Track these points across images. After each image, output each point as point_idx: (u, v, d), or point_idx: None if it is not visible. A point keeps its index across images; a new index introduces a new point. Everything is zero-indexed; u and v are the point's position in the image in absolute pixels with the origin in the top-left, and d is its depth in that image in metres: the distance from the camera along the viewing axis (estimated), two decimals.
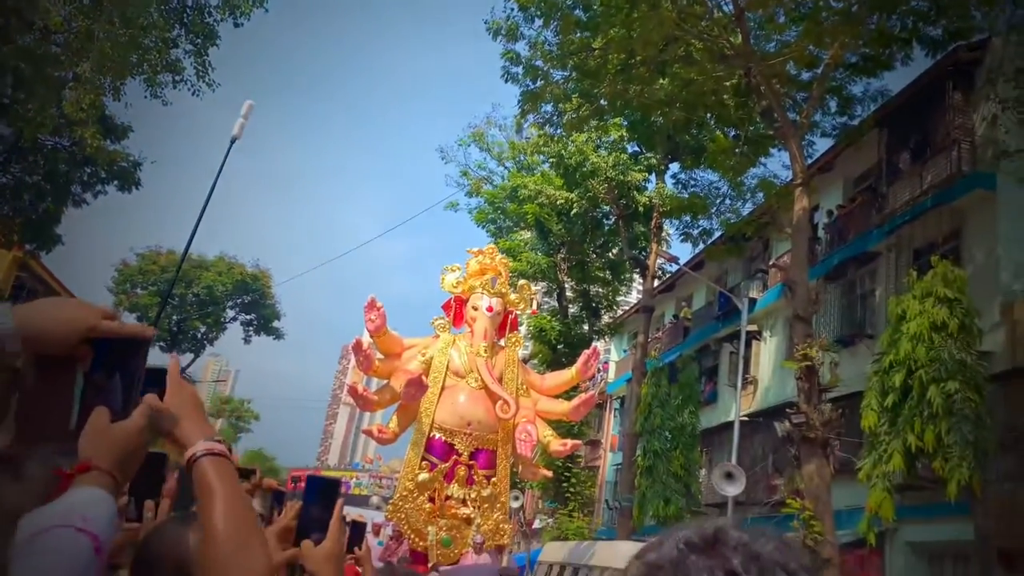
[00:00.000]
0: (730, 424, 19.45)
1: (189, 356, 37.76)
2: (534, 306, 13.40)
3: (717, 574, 0.70)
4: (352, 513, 15.42)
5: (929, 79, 17.40)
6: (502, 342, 12.66)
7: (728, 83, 16.79)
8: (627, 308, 33.51)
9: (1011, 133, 14.93)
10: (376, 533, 13.79)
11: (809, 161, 18.78)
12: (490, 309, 12.04)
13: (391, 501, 11.43)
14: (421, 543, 11.03)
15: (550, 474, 13.86)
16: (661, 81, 17.54)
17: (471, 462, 11.40)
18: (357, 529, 3.38)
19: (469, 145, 27.78)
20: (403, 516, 11.11)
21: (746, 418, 20.84)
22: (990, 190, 15.75)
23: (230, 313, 37.79)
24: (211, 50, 17.19)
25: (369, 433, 11.93)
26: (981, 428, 10.34)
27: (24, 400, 1.16)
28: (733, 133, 18.81)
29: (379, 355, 11.84)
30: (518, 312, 13.09)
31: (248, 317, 38.35)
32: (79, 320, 1.15)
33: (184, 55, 17.22)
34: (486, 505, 11.28)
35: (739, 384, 20.32)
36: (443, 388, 11.68)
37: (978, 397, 10.35)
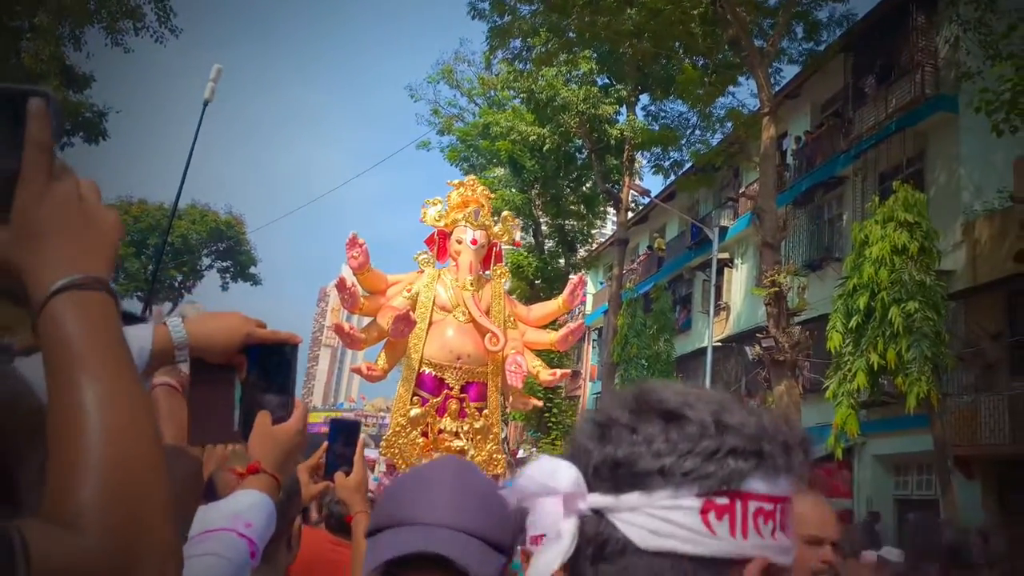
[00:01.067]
0: (704, 350, 20.01)
1: (168, 305, 37.78)
2: (518, 237, 13.33)
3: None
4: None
5: (893, 2, 17.47)
6: (487, 274, 12.89)
7: (696, 12, 16.79)
8: (602, 241, 33.85)
9: (972, 55, 15.16)
10: (371, 469, 14.46)
11: (777, 88, 18.94)
12: (474, 242, 12.18)
13: (384, 437, 11.47)
14: None
15: (540, 403, 14.09)
16: (629, 11, 17.45)
17: (462, 395, 11.14)
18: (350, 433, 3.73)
19: (438, 82, 27.59)
20: (397, 451, 10.99)
21: (719, 343, 21.44)
22: (952, 112, 16.04)
23: (206, 261, 37.68)
24: None
25: (358, 371, 12.07)
26: (939, 345, 10.86)
27: (191, 403, 1.29)
28: (701, 62, 18.88)
29: (363, 293, 12.13)
30: (502, 243, 13.56)
31: (224, 264, 38.23)
32: (238, 329, 1.26)
33: (144, 1, 16.88)
34: (479, 437, 11.10)
35: (711, 311, 20.84)
36: (430, 323, 11.38)
37: (936, 316, 10.83)
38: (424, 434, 10.83)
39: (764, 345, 12.61)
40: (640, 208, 28.25)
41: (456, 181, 14.13)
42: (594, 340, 34.05)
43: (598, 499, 0.74)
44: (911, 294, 10.56)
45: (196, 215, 36.41)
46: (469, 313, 12.15)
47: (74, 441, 0.68)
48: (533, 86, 21.82)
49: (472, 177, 14.28)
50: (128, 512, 0.66)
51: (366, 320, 12.77)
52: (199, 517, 1.23)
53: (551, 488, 0.75)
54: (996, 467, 13.81)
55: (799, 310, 13.39)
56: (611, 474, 0.74)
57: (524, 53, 20.61)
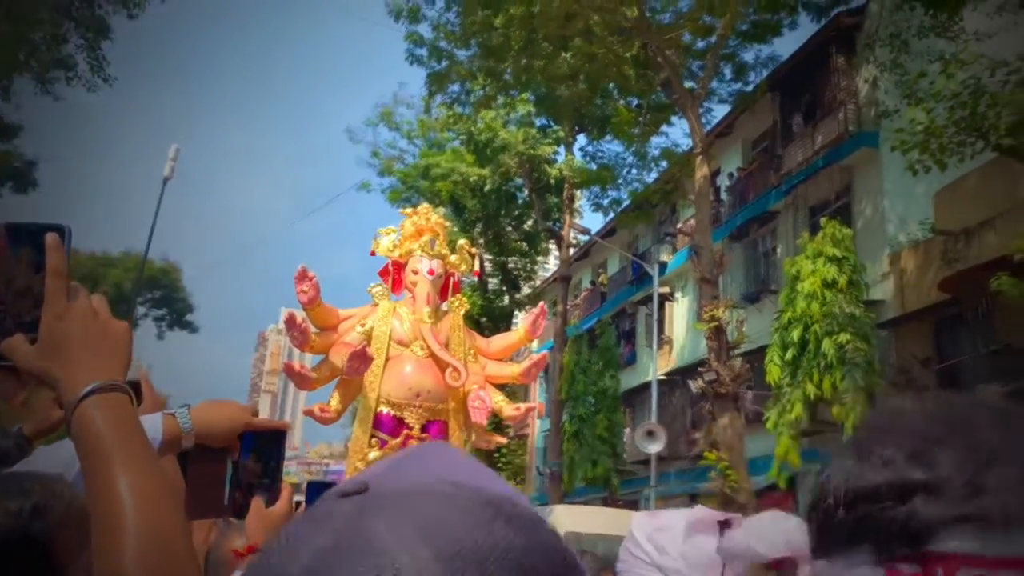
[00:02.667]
0: (650, 384, 20.28)
1: None
2: (476, 266, 12.78)
3: None
4: None
5: (815, 44, 18.28)
6: (445, 306, 12.49)
7: (628, 55, 17.32)
8: (545, 278, 34.14)
9: (889, 94, 15.92)
10: None
11: (708, 127, 19.58)
12: (431, 272, 11.62)
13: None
14: None
15: (504, 440, 13.70)
16: (564, 55, 17.92)
17: (423, 435, 11.26)
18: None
19: (378, 124, 27.67)
20: None
21: (664, 377, 21.75)
22: (875, 148, 16.78)
23: (141, 310, 36.78)
24: (106, 43, 16.66)
25: (310, 413, 11.53)
26: (871, 374, 11.27)
27: (189, 481, 1.40)
28: (635, 103, 19.43)
29: (313, 329, 11.70)
30: (459, 274, 13.13)
31: (160, 312, 37.38)
32: (237, 419, 1.38)
33: (76, 50, 16.66)
34: None
35: (655, 345, 21.15)
36: (387, 359, 11.52)
37: (867, 346, 11.25)
38: None
39: (707, 379, 12.87)
40: (581, 244, 28.66)
41: (409, 209, 13.72)
42: (540, 377, 34.16)
43: None
44: (842, 326, 10.95)
45: (130, 263, 35.58)
46: (428, 347, 11.89)
47: (113, 522, 0.82)
48: (472, 128, 22.11)
49: (425, 205, 14.05)
50: (165, 573, 0.82)
51: (314, 359, 12.43)
52: None
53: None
54: None
55: (738, 343, 13.72)
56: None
57: (463, 97, 20.94)
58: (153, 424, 1.29)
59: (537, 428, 33.40)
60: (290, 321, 10.73)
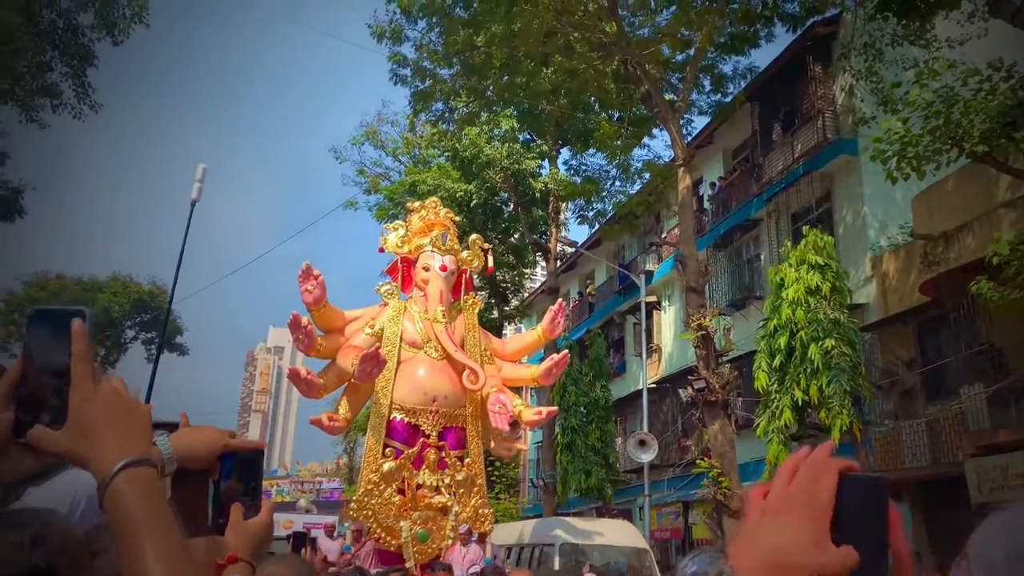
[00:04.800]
0: (640, 393, 20.44)
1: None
2: (490, 262, 11.98)
3: None
4: (281, 520, 15.29)
5: (791, 54, 18.60)
6: (458, 305, 11.24)
7: (608, 70, 17.55)
8: (533, 290, 34.30)
9: (866, 101, 16.24)
10: (330, 535, 12.19)
11: (689, 138, 19.85)
12: (444, 268, 10.62)
13: (355, 498, 10.01)
14: (394, 541, 9.66)
15: (525, 448, 11.90)
16: (545, 72, 18.15)
17: (440, 443, 10.10)
18: (299, 540, 3.76)
19: (363, 143, 27.83)
20: (370, 513, 9.70)
21: (653, 385, 21.93)
22: (853, 155, 17.08)
23: (130, 333, 36.68)
24: (91, 70, 16.74)
25: (318, 423, 10.19)
26: (857, 378, 11.48)
27: (174, 504, 1.42)
28: (617, 116, 19.67)
29: (319, 332, 10.29)
30: (471, 270, 11.59)
31: (149, 335, 37.28)
32: (216, 442, 1.47)
33: (61, 78, 16.74)
34: (462, 490, 10.05)
35: (644, 354, 21.34)
36: (399, 362, 10.25)
37: (852, 351, 11.46)
38: (400, 491, 9.71)
39: (696, 387, 13.04)
40: (568, 256, 28.86)
41: (416, 203, 11.91)
42: (532, 389, 34.25)
43: None
44: (827, 332, 11.17)
45: (118, 287, 35.54)
46: (443, 348, 10.02)
47: None
48: (457, 145, 22.29)
49: (433, 199, 12.36)
50: None
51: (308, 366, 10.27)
52: None
53: None
54: (921, 488, 14.46)
55: (726, 351, 13.91)
56: None
57: (447, 114, 21.12)
58: None
59: (530, 440, 33.47)
60: (294, 323, 9.46)
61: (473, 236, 11.86)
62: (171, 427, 1.49)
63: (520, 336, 12.53)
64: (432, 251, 10.71)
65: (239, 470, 1.51)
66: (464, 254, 11.19)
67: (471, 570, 9.08)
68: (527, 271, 30.26)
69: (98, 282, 35.49)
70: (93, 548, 1.49)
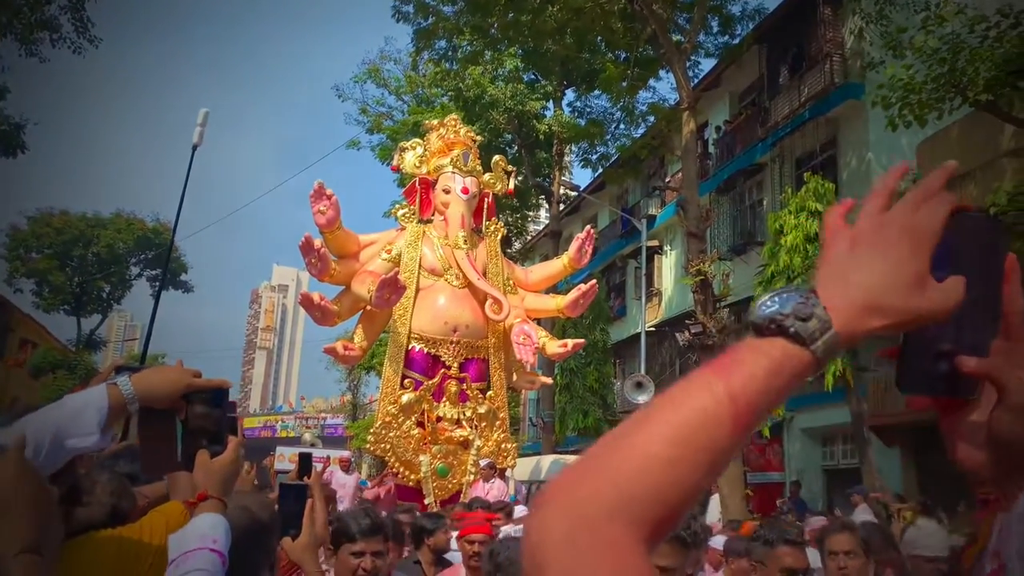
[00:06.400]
0: (639, 336, 20.65)
1: (97, 317, 36.85)
2: (511, 185, 11.29)
3: None
4: (287, 454, 15.56)
5: None
6: (480, 231, 10.51)
7: (615, 9, 17.27)
8: (536, 232, 34.30)
9: (875, 45, 15.99)
10: (346, 469, 11.61)
11: (696, 80, 19.60)
12: (465, 190, 9.94)
13: (372, 431, 9.56)
14: (413, 476, 9.26)
15: (549, 381, 10.94)
16: (550, 10, 17.83)
17: (462, 375, 9.65)
18: (305, 461, 3.86)
19: (365, 82, 27.52)
20: (388, 447, 9.23)
21: (653, 329, 22.12)
22: (860, 100, 16.90)
23: (135, 270, 36.86)
24: (90, 3, 16.51)
25: (333, 352, 9.72)
26: None
27: (142, 443, 1.55)
28: (623, 57, 19.42)
29: (332, 257, 9.68)
30: (494, 193, 10.91)
31: (154, 272, 37.48)
32: (179, 381, 1.51)
33: (60, 11, 16.53)
34: (484, 424, 9.57)
35: (643, 298, 21.47)
36: (418, 289, 9.71)
37: None
38: (420, 424, 9.32)
39: (693, 331, 13.18)
40: (571, 200, 28.78)
41: (435, 122, 11.35)
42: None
43: None
44: None
45: (122, 224, 35.58)
46: (464, 276, 9.44)
47: None
48: (460, 84, 22.04)
49: (453, 116, 11.80)
50: None
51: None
52: (174, 541, 1.46)
53: None
54: (912, 433, 14.72)
55: (724, 296, 14.01)
56: None
57: (450, 53, 20.84)
58: (99, 394, 1.44)
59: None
60: (307, 245, 8.74)
61: (496, 157, 11.17)
62: (133, 370, 1.52)
63: (544, 265, 11.67)
64: (453, 172, 10.01)
65: (204, 408, 1.54)
66: (486, 176, 10.52)
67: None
68: (530, 213, 30.22)
69: (102, 219, 35.51)
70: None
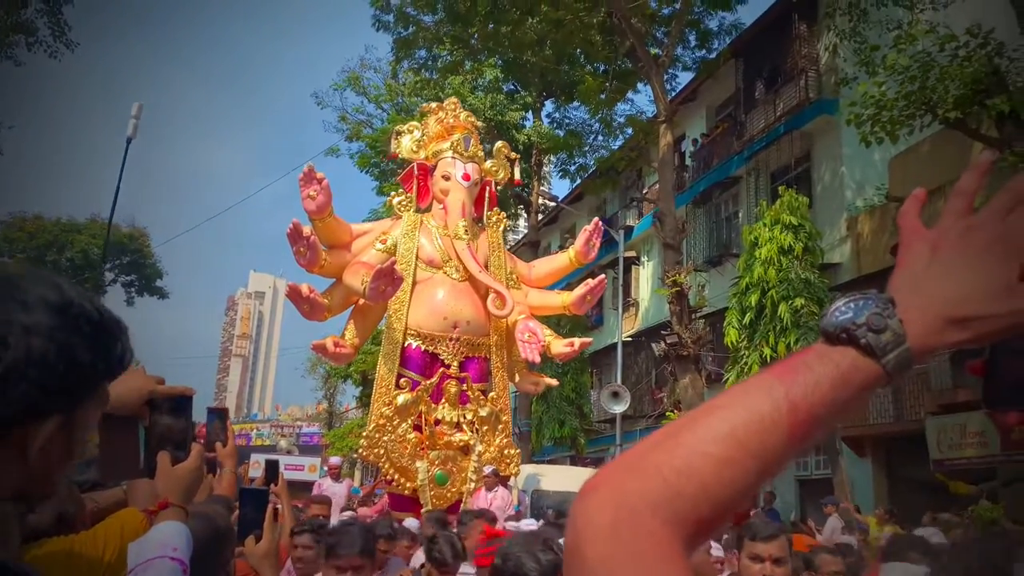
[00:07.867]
0: (616, 345, 20.75)
1: None
2: (517, 173, 10.72)
3: None
4: (258, 460, 15.46)
5: (778, 11, 18.52)
6: (481, 220, 9.79)
7: (594, 21, 17.45)
8: (514, 243, 34.39)
9: (848, 61, 16.27)
10: (335, 477, 10.83)
11: (674, 92, 19.84)
12: (466, 177, 9.23)
13: (365, 434, 8.82)
14: (408, 483, 8.57)
15: (555, 383, 10.75)
16: (530, 21, 18.00)
17: (462, 375, 8.96)
18: (272, 468, 3.87)
19: (345, 89, 27.48)
20: (382, 452, 8.56)
21: (629, 339, 22.25)
22: (834, 115, 17.16)
23: (109, 276, 36.48)
24: (67, 7, 16.40)
25: (321, 348, 8.99)
26: None
27: (103, 448, 1.50)
28: (602, 69, 19.61)
29: (322, 246, 8.97)
30: (497, 182, 10.26)
31: (129, 278, 37.11)
32: (142, 388, 1.50)
33: (36, 15, 16.40)
34: (486, 427, 8.88)
35: (620, 308, 21.61)
36: (415, 282, 9.00)
37: (820, 310, 11.73)
38: (416, 427, 8.71)
39: (669, 341, 13.31)
40: (549, 210, 28.91)
41: (433, 105, 10.26)
42: None
43: None
44: (797, 291, 11.42)
45: (97, 229, 35.19)
46: (465, 268, 8.82)
47: None
48: (440, 94, 22.10)
49: (453, 99, 10.91)
50: None
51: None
52: (134, 550, 1.42)
53: None
54: (884, 444, 14.92)
55: (699, 307, 14.16)
56: None
57: (430, 63, 20.94)
58: None
59: (509, 388, 33.83)
60: (295, 233, 8.03)
61: (499, 143, 10.45)
62: None
63: (548, 259, 11.12)
64: (453, 158, 9.27)
65: (168, 415, 1.53)
66: (488, 163, 9.80)
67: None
68: (508, 223, 30.31)
69: (76, 224, 35.14)
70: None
